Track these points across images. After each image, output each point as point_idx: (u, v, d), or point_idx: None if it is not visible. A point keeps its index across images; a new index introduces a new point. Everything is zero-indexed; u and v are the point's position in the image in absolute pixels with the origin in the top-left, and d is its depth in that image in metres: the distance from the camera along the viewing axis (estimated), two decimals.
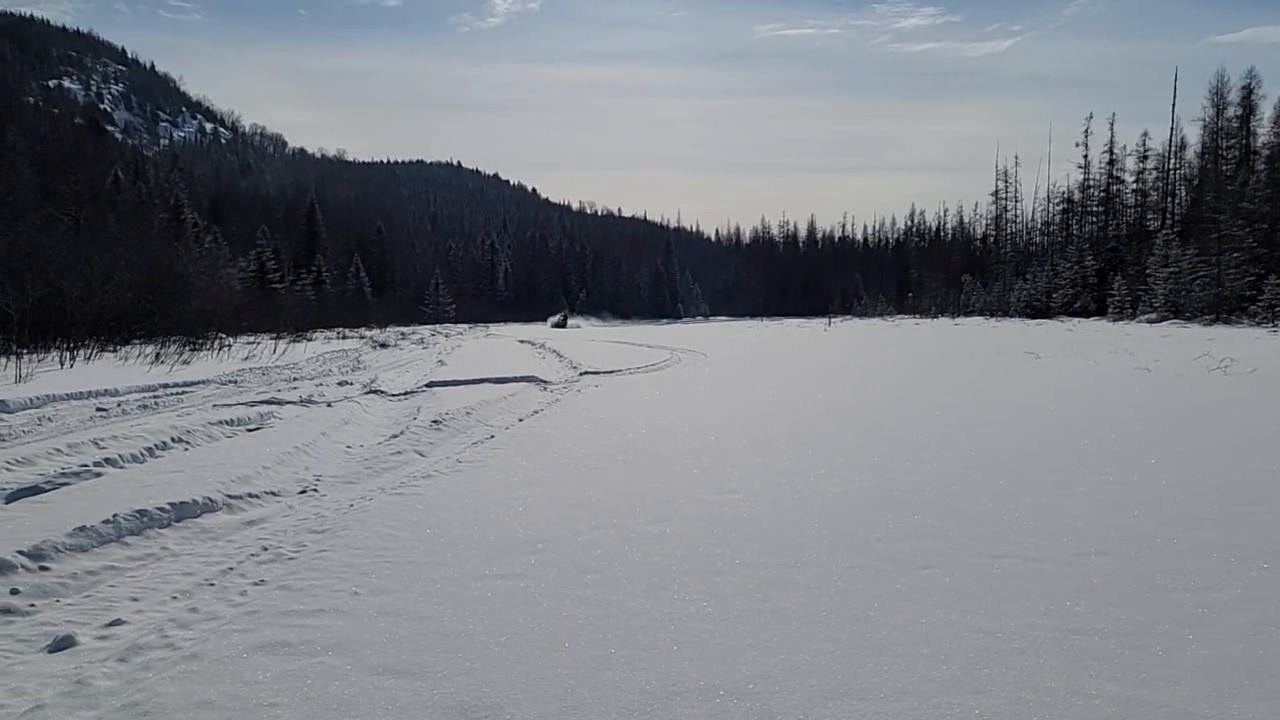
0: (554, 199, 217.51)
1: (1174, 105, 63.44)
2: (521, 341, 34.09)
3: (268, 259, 56.49)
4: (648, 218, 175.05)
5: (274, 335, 33.00)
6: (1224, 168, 44.56)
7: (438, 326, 65.36)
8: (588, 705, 2.91)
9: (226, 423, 9.95)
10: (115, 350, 23.54)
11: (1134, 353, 19.82)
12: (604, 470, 7.01)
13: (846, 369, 18.34)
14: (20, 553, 4.60)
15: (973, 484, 6.25)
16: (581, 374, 16.90)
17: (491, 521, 5.39)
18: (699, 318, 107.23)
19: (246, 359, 22.69)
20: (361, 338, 40.74)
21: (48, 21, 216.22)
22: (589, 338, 39.80)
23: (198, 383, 15.56)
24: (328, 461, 7.89)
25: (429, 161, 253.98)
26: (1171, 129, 52.21)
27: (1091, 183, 57.71)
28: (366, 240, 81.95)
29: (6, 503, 6.07)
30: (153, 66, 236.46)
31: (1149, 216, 53.43)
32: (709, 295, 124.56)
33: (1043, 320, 47.00)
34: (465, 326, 68.02)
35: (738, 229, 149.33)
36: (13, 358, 17.70)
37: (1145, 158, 53.59)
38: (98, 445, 8.37)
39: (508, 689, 3.03)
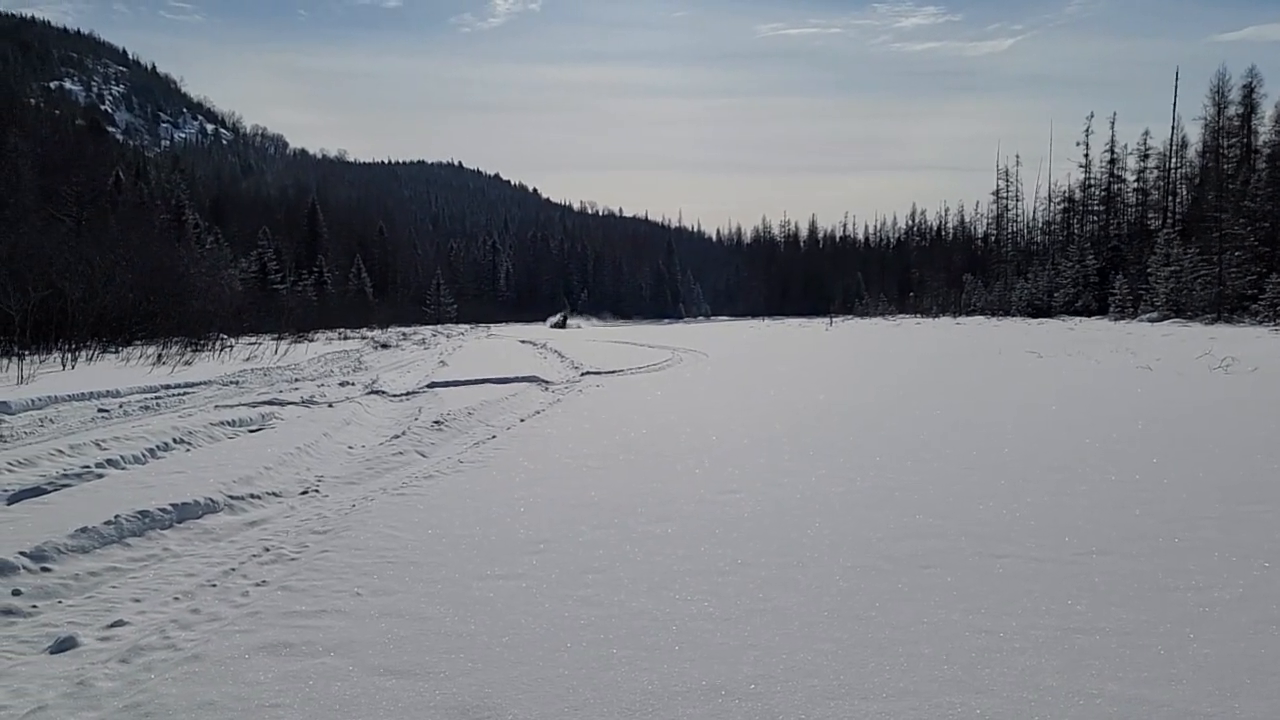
0: (555, 199, 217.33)
1: (1175, 104, 63.49)
2: (523, 342, 34.09)
3: (269, 260, 56.53)
4: (649, 218, 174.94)
5: (275, 336, 33.00)
6: (1225, 166, 44.50)
7: (439, 327, 65.27)
8: (590, 705, 2.91)
9: (228, 423, 9.96)
10: (117, 351, 23.54)
11: (1135, 352, 19.81)
12: (605, 470, 7.02)
13: (848, 369, 18.34)
14: (22, 554, 4.60)
15: (974, 483, 6.25)
16: (583, 374, 16.90)
17: (493, 522, 5.39)
18: (700, 318, 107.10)
19: (248, 360, 22.70)
20: (363, 338, 40.72)
21: (48, 23, 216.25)
22: (590, 338, 39.78)
23: (199, 384, 15.58)
24: (329, 462, 7.89)
25: (430, 162, 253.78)
26: (1173, 128, 52.04)
27: (1093, 182, 57.70)
28: (368, 241, 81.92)
29: (9, 504, 6.08)
30: (154, 67, 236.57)
31: (1150, 215, 53.38)
32: (710, 295, 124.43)
33: (1044, 319, 46.96)
34: (467, 327, 67.97)
35: (739, 229, 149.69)
36: (14, 359, 17.71)
37: (1146, 157, 53.61)
38: (99, 446, 8.38)
39: (510, 689, 3.03)
